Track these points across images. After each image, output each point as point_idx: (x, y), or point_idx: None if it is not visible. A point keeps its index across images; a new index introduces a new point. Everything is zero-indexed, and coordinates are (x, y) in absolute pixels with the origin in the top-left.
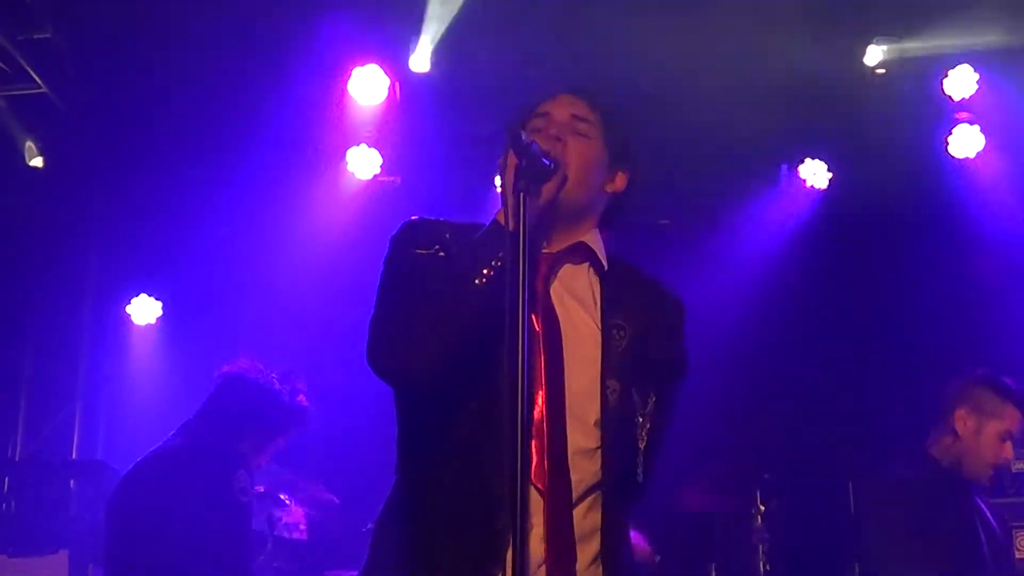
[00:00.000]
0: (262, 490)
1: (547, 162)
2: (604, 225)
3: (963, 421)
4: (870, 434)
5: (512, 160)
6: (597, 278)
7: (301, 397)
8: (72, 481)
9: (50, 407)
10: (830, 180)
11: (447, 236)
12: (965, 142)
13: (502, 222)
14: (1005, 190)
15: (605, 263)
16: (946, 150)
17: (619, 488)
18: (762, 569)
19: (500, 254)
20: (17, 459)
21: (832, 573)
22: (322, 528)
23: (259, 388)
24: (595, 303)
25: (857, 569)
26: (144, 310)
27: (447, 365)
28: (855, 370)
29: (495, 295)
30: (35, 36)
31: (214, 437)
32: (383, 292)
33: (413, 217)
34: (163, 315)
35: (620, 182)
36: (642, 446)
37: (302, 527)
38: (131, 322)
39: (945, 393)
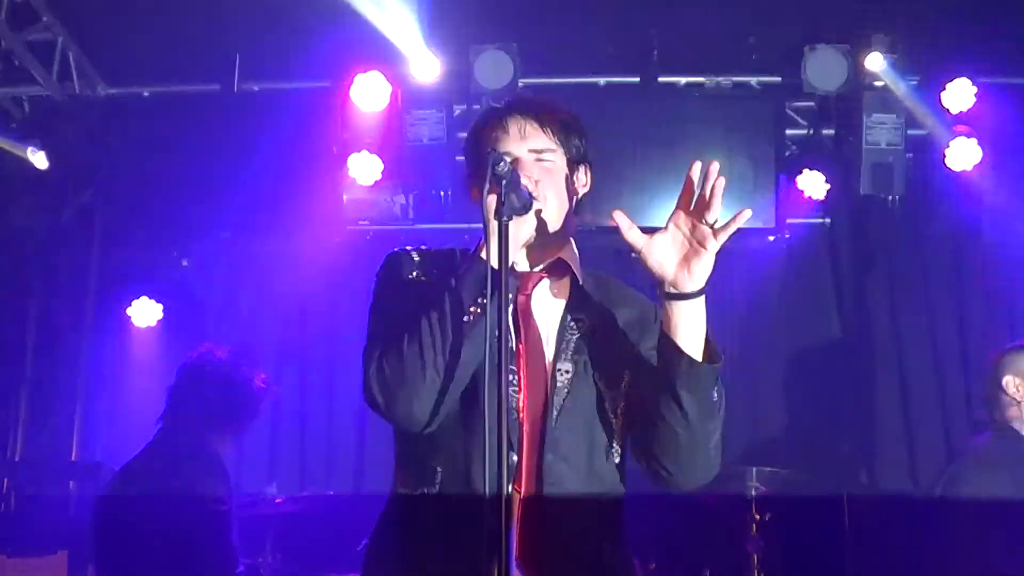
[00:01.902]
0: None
1: (527, 195)
2: (575, 215)
3: (1014, 386)
4: (864, 444)
5: (494, 190)
6: (571, 288)
7: (260, 381)
8: (71, 482)
9: (50, 408)
10: (828, 191)
11: (426, 261)
12: (963, 154)
13: (483, 257)
14: (1003, 202)
15: (581, 278)
16: (944, 162)
17: (591, 472)
18: None
19: (484, 291)
20: (17, 460)
21: None
22: (321, 529)
23: (224, 382)
24: (559, 311)
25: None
26: (145, 312)
27: (440, 402)
28: (852, 380)
29: (483, 329)
30: (39, 36)
31: (186, 439)
32: (373, 325)
33: (394, 250)
34: (164, 318)
35: (585, 178)
36: (617, 427)
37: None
38: (132, 324)
39: (989, 375)
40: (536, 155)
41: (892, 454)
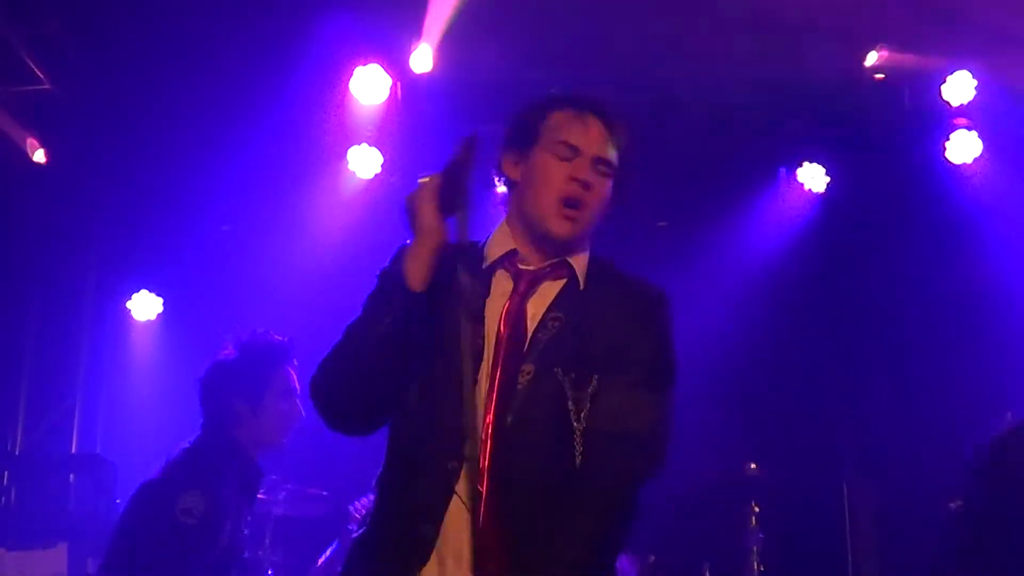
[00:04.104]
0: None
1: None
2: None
3: None
4: (865, 436)
5: (436, 182)
6: (565, 285)
7: (230, 347)
8: (71, 475)
9: (50, 401)
10: (828, 184)
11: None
12: (963, 147)
13: (405, 273)
14: (1002, 195)
15: (583, 283)
16: (944, 155)
17: (550, 476)
18: (756, 569)
19: (394, 312)
20: (17, 453)
21: (826, 574)
22: (321, 523)
23: (213, 371)
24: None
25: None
26: (145, 306)
27: (367, 412)
28: (851, 372)
29: (395, 346)
30: (38, 32)
31: (208, 449)
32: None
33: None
34: (164, 311)
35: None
36: (579, 429)
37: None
38: (131, 318)
39: None
40: (599, 165)
41: (892, 448)
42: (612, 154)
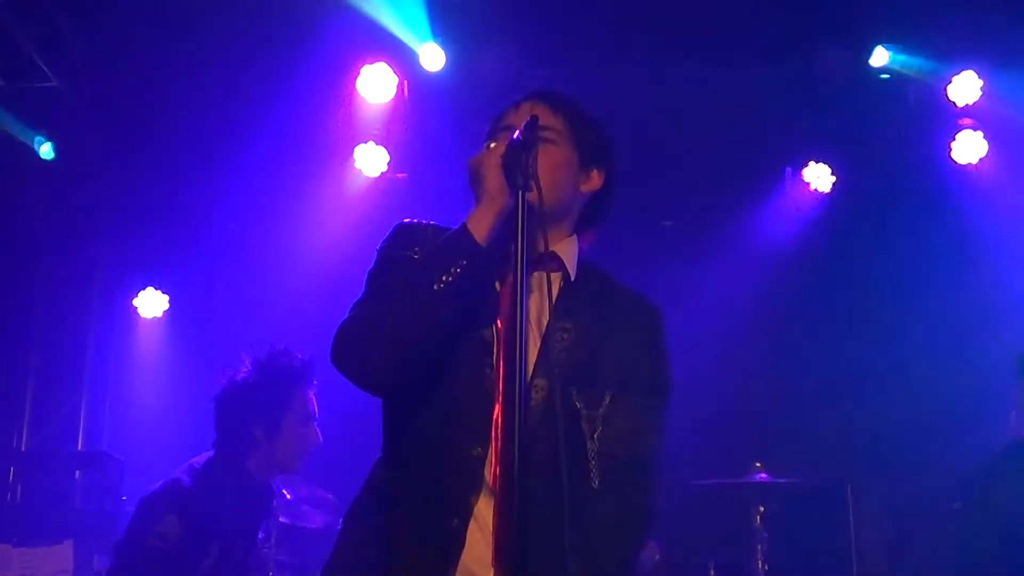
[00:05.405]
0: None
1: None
2: (587, 224)
3: None
4: (870, 435)
5: (501, 150)
6: (562, 285)
7: (248, 365)
8: (77, 472)
9: (56, 398)
10: (833, 183)
11: (428, 236)
12: (968, 148)
13: (470, 228)
14: (1007, 196)
15: (573, 273)
16: (949, 155)
17: (563, 494)
18: (761, 568)
19: (463, 262)
20: (23, 450)
21: (830, 572)
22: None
23: (229, 390)
24: (548, 310)
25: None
26: (151, 303)
27: (404, 367)
28: (856, 372)
29: (452, 301)
30: (45, 28)
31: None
32: (365, 293)
33: (403, 220)
34: (170, 308)
35: (596, 180)
36: (592, 449)
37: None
38: (138, 315)
39: None
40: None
41: (897, 447)
42: (550, 117)
